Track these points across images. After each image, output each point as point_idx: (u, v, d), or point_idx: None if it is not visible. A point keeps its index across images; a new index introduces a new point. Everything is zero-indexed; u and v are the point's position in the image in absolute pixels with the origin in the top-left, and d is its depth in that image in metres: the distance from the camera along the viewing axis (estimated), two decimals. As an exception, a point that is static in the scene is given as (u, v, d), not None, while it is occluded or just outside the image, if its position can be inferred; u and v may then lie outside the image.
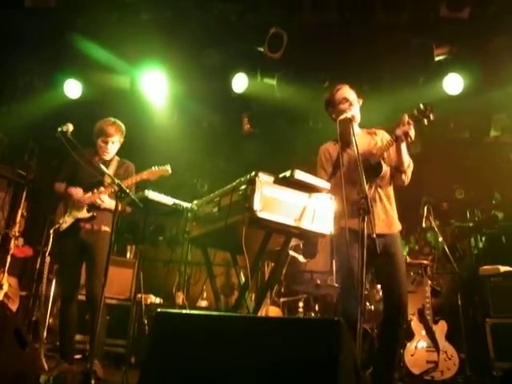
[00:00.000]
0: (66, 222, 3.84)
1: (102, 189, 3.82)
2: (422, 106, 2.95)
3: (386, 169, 3.10)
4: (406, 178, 3.21)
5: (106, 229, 3.87)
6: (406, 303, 3.07)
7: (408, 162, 3.15)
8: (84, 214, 3.85)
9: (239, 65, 5.51)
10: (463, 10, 4.41)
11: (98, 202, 3.83)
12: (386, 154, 3.12)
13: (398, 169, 3.18)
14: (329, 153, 3.35)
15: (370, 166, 3.05)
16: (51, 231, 3.83)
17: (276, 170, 2.73)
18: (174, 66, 5.53)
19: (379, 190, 3.21)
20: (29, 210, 6.18)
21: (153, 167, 3.82)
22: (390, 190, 3.30)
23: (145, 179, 3.84)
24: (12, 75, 5.67)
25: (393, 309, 3.06)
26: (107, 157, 4.03)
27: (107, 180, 3.75)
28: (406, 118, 2.97)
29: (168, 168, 3.84)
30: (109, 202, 3.84)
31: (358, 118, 3.29)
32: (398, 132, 3.00)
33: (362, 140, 3.29)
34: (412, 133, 2.97)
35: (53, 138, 3.33)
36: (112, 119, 4.06)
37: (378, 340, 3.19)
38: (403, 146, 3.06)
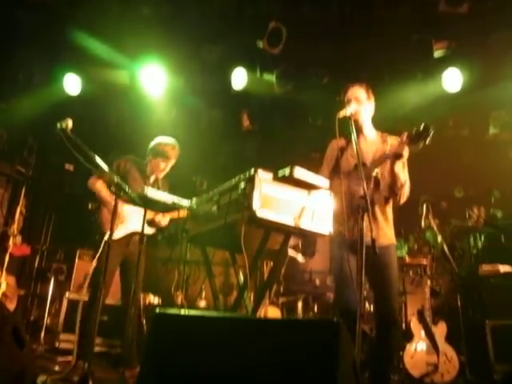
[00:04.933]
0: None
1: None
2: (422, 127, 2.73)
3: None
4: (400, 197, 3.04)
5: None
6: (396, 316, 3.04)
7: (401, 183, 2.98)
8: None
9: (238, 60, 5.47)
10: (462, 4, 4.37)
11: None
12: (380, 169, 2.97)
13: (391, 188, 3.03)
14: (337, 148, 3.22)
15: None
16: None
17: (275, 166, 2.71)
18: (173, 61, 5.49)
19: (374, 206, 3.04)
20: (28, 208, 6.11)
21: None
22: (387, 207, 3.13)
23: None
24: (11, 70, 5.62)
25: (384, 322, 3.00)
26: (161, 176, 4.25)
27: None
28: (404, 137, 2.81)
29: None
30: None
31: (363, 117, 3.17)
32: (389, 152, 2.92)
33: (371, 144, 3.19)
34: (406, 153, 2.83)
35: (52, 134, 3.30)
36: (173, 142, 4.21)
37: (374, 347, 3.12)
38: (397, 165, 2.90)
